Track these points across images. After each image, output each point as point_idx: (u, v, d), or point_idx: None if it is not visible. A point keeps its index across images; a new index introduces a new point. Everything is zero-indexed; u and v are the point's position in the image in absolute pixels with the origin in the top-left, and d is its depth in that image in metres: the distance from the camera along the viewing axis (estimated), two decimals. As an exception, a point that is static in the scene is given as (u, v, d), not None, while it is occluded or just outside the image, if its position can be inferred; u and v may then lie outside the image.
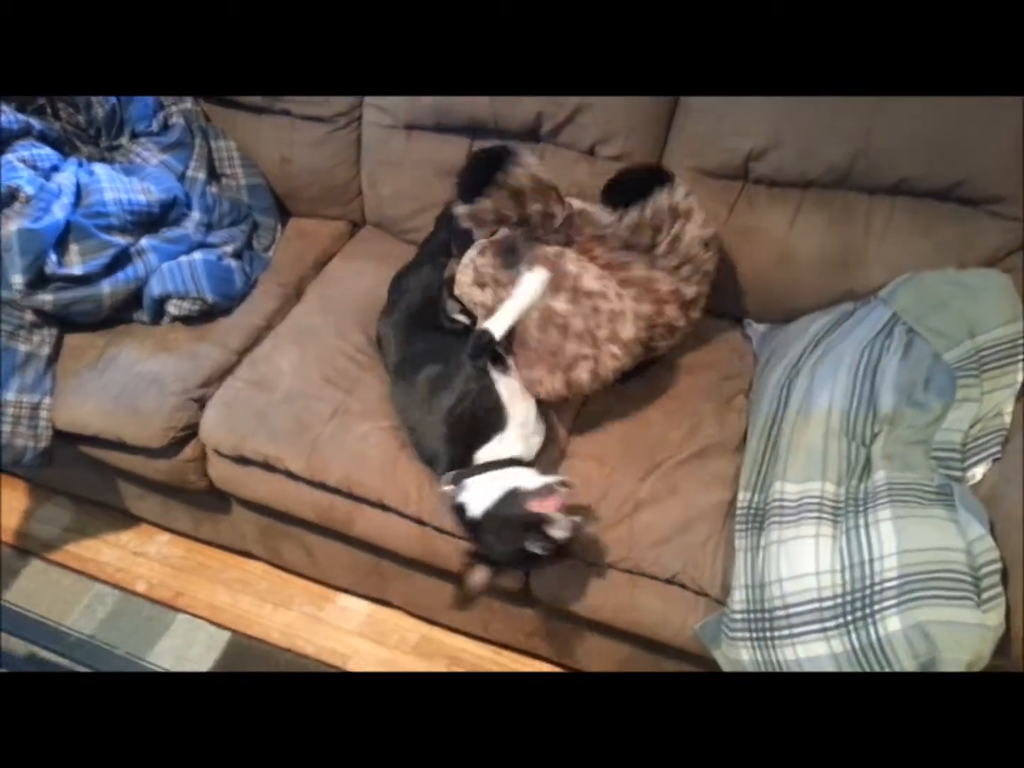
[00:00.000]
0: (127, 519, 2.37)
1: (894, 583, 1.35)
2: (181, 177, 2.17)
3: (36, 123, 2.09)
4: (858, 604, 1.38)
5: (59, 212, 1.90)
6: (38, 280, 1.90)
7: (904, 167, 1.82)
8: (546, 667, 2.05)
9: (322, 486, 1.82)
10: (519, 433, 1.66)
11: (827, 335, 1.88)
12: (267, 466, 1.85)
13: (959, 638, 1.27)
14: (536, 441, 1.73)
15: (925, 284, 1.81)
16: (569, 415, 1.86)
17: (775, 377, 1.85)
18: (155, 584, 2.27)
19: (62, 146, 2.15)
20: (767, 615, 1.49)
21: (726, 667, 1.56)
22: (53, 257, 1.89)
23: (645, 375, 1.90)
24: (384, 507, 1.79)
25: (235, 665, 2.08)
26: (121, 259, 2.00)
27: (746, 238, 1.99)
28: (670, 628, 1.65)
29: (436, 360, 1.73)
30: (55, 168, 2.03)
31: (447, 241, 2.00)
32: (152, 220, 2.07)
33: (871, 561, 1.40)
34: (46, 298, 1.92)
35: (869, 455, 1.60)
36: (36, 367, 1.95)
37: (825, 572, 1.44)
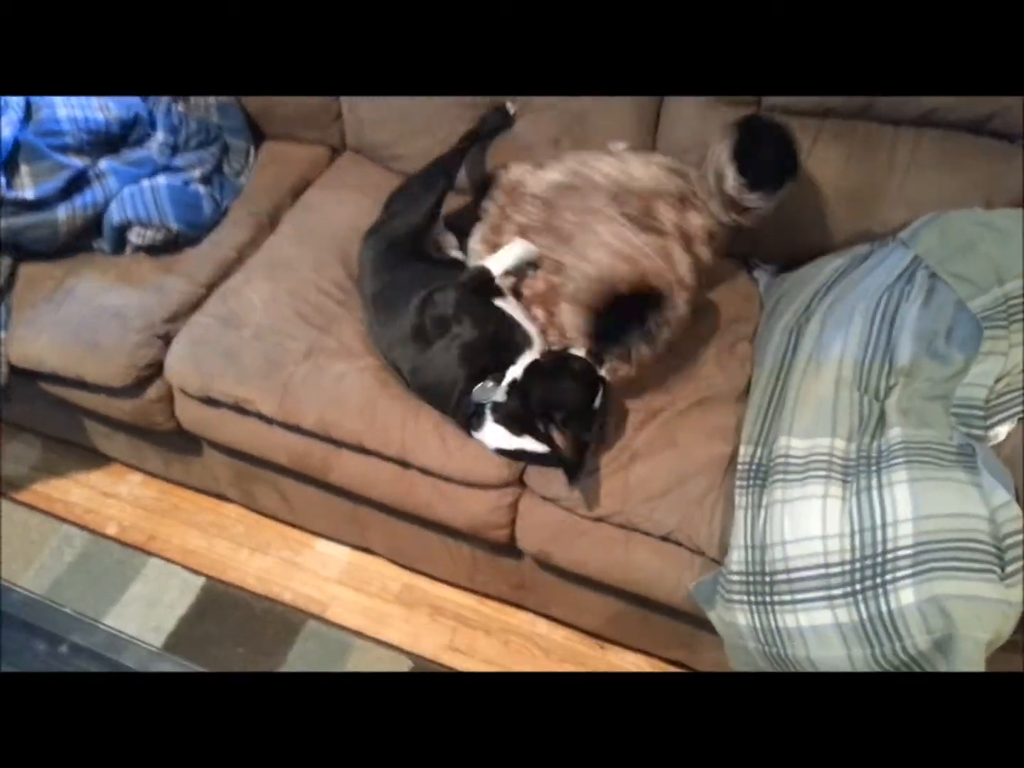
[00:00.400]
0: (97, 458, 2.26)
1: (909, 551, 1.26)
2: (144, 93, 1.99)
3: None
4: (868, 573, 1.28)
5: (6, 129, 1.74)
6: (-14, 204, 1.75)
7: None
8: (530, 618, 1.98)
9: (296, 429, 1.72)
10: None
11: (841, 279, 1.76)
12: (237, 408, 1.74)
13: (979, 614, 1.18)
14: None
15: (950, 225, 1.67)
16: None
17: (783, 323, 1.74)
18: (126, 526, 2.17)
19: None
20: (767, 579, 1.40)
21: (721, 629, 1.49)
22: (2, 179, 1.74)
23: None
24: (363, 450, 1.69)
25: (209, 612, 2.00)
26: (78, 182, 1.84)
27: (758, 169, 1.84)
28: (663, 586, 1.57)
29: (420, 287, 1.64)
30: None
31: (454, 167, 1.90)
32: (111, 140, 1.91)
33: (884, 526, 1.30)
34: (-5, 224, 1.78)
35: (883, 410, 1.49)
36: (-12, 299, 1.82)
37: (833, 536, 1.34)
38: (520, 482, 1.63)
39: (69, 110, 1.82)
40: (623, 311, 1.59)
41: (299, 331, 1.77)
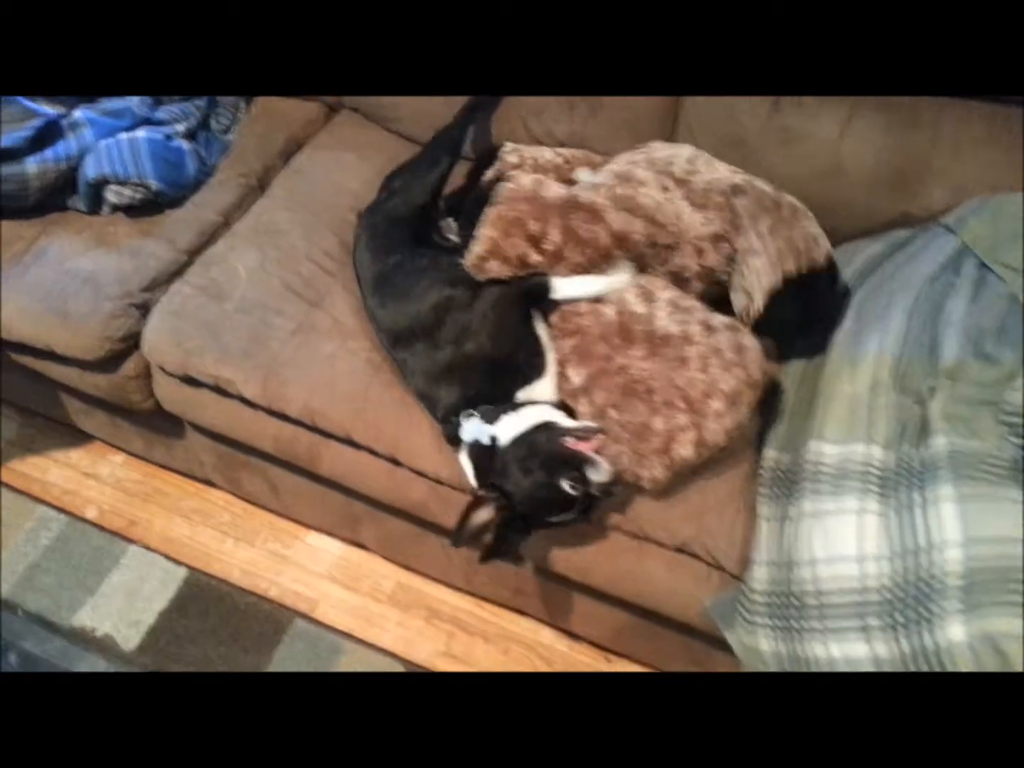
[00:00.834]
0: (78, 435, 2.13)
1: (958, 581, 1.11)
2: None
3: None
4: (911, 603, 1.13)
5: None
6: (-53, 154, 1.61)
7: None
8: (532, 625, 1.85)
9: (282, 415, 1.57)
10: (553, 379, 1.42)
11: (877, 267, 1.61)
12: (219, 389, 1.60)
13: (1039, 655, 1.03)
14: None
15: (1002, 210, 1.53)
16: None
17: (815, 314, 1.57)
18: (106, 510, 2.05)
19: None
20: (795, 601, 1.26)
21: (740, 652, 1.34)
22: (-38, 128, 1.59)
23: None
24: (353, 443, 1.55)
25: (190, 606, 1.88)
26: (50, 132, 1.69)
27: (788, 143, 1.70)
28: (676, 601, 1.44)
29: (439, 282, 1.48)
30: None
31: (457, 141, 1.75)
32: (88, 87, 1.74)
33: (929, 550, 1.15)
34: (-43, 176, 1.63)
35: (926, 415, 1.33)
36: (-47, 260, 1.67)
37: (870, 558, 1.19)
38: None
39: (41, 54, 1.66)
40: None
41: (287, 305, 1.62)
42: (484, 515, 1.28)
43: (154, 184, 1.72)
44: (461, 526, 1.27)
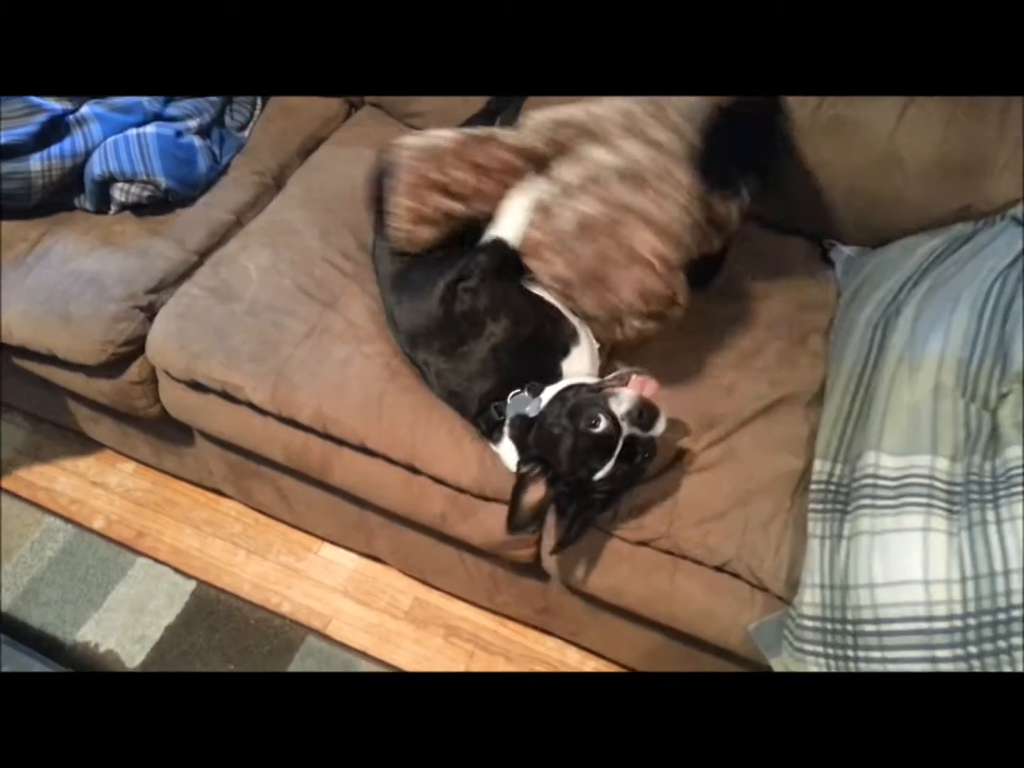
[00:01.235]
0: (87, 443, 2.06)
1: (1042, 610, 0.98)
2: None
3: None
4: (987, 633, 1.01)
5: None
6: (-52, 152, 1.54)
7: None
8: (558, 644, 1.75)
9: (292, 422, 1.48)
10: (589, 349, 1.38)
11: (938, 263, 1.49)
12: (226, 395, 1.51)
13: None
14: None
15: None
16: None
17: (867, 314, 1.48)
18: (114, 520, 1.97)
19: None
20: (850, 627, 1.14)
21: (787, 683, 1.22)
22: (-36, 123, 1.53)
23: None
24: (367, 451, 1.46)
25: (198, 621, 1.79)
26: (56, 129, 1.62)
27: (839, 133, 1.59)
28: (715, 625, 1.32)
29: (449, 278, 1.39)
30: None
31: None
32: (97, 82, 1.68)
33: (1007, 574, 1.03)
34: (-41, 174, 1.56)
35: (996, 423, 1.22)
36: (-46, 260, 1.60)
37: (938, 582, 1.07)
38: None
39: (48, 47, 1.59)
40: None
41: (300, 307, 1.53)
42: (535, 494, 1.23)
43: (163, 182, 1.64)
44: (513, 510, 1.22)
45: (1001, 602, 1.01)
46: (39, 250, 1.62)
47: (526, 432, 1.27)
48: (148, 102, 1.71)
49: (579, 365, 1.36)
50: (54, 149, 1.61)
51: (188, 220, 1.70)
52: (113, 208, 1.67)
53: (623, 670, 1.69)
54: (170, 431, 1.76)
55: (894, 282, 1.50)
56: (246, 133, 1.87)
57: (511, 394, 1.31)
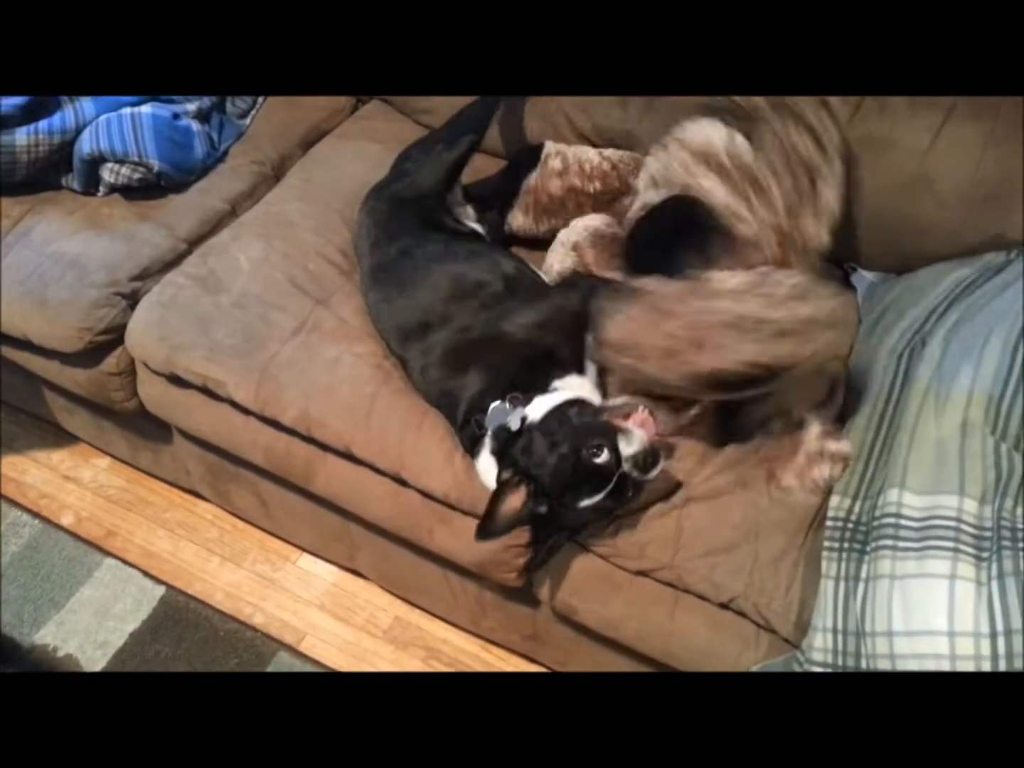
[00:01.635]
0: (62, 436, 1.97)
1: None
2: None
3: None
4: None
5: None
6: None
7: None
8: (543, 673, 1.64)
9: (275, 424, 1.40)
10: (593, 380, 1.32)
11: (967, 293, 1.41)
12: (207, 391, 1.43)
13: None
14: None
15: None
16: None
17: (891, 343, 1.40)
18: (84, 518, 1.87)
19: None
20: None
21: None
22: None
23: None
24: (353, 458, 1.38)
25: (165, 629, 1.70)
26: (45, 102, 1.56)
27: (869, 152, 1.51)
28: (715, 666, 1.24)
29: (458, 268, 1.37)
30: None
31: (480, 122, 1.58)
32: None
33: (1042, 631, 0.94)
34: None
35: (1029, 465, 1.13)
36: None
37: (965, 635, 0.99)
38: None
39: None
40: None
41: (290, 302, 1.46)
42: (514, 502, 1.18)
43: (156, 164, 1.57)
44: (488, 515, 1.16)
45: (1035, 662, 0.93)
46: (20, 228, 1.55)
47: (512, 443, 1.21)
48: (146, 81, 1.64)
49: (573, 386, 1.29)
50: (42, 124, 1.54)
51: (180, 206, 1.63)
52: (102, 190, 1.61)
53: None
54: (147, 427, 1.68)
55: (920, 311, 1.42)
56: (247, 121, 1.81)
57: (491, 405, 1.24)
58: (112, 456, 1.93)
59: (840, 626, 1.10)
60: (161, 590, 1.75)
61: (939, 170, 1.47)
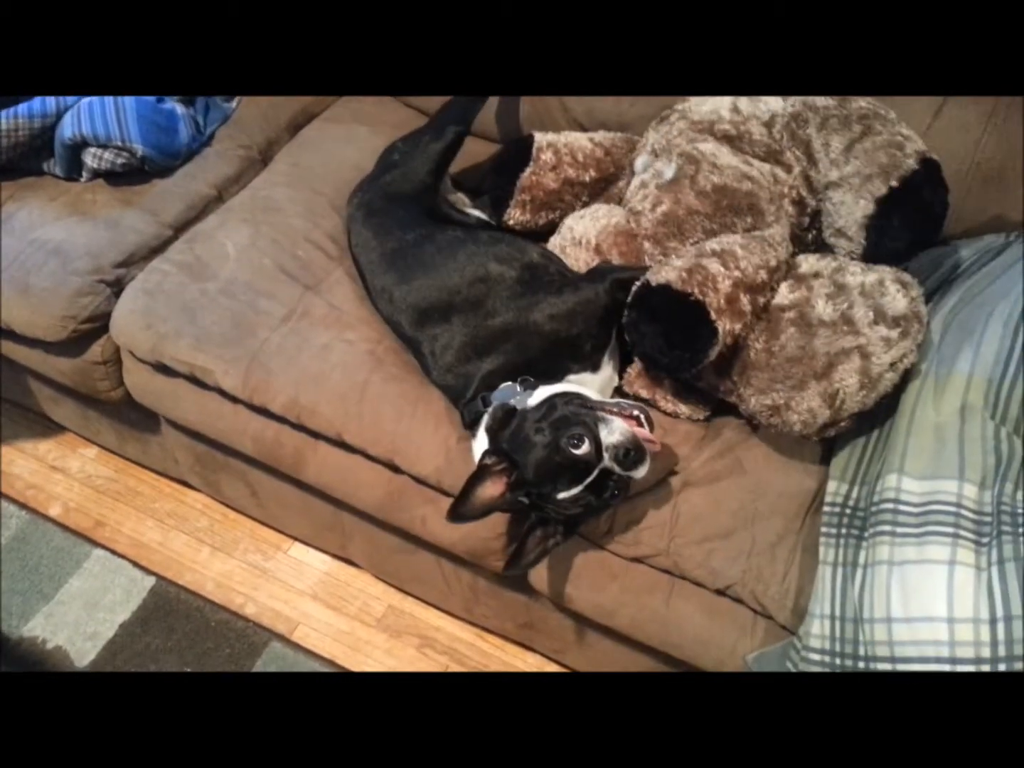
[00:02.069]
0: (50, 426, 1.94)
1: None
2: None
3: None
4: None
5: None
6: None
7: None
8: (539, 661, 1.64)
9: (264, 412, 1.37)
10: (608, 381, 1.33)
11: (966, 276, 1.40)
12: (194, 380, 1.40)
13: None
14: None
15: None
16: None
17: (888, 326, 1.36)
18: (72, 508, 1.85)
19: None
20: (862, 664, 1.05)
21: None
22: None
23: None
24: (344, 445, 1.36)
25: (155, 620, 1.67)
26: (24, 86, 1.50)
27: (865, 133, 1.47)
28: (711, 653, 1.23)
29: (485, 254, 1.35)
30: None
31: (467, 112, 1.55)
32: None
33: (1043, 617, 0.93)
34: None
35: (1029, 449, 1.12)
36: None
37: (964, 621, 0.98)
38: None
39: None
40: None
41: (279, 288, 1.43)
42: (491, 489, 1.14)
43: (140, 149, 1.53)
44: (463, 496, 1.12)
45: (1036, 648, 0.92)
46: (1, 215, 1.52)
47: (504, 425, 1.19)
48: (128, 63, 1.60)
49: (586, 382, 1.28)
50: (22, 107, 1.51)
51: (165, 192, 1.60)
52: (85, 175, 1.57)
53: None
54: (134, 416, 1.65)
55: (918, 293, 1.41)
56: (233, 104, 1.77)
57: (502, 384, 1.23)
58: (99, 446, 1.91)
59: (838, 612, 1.09)
60: (151, 581, 1.73)
61: (939, 151, 1.44)
